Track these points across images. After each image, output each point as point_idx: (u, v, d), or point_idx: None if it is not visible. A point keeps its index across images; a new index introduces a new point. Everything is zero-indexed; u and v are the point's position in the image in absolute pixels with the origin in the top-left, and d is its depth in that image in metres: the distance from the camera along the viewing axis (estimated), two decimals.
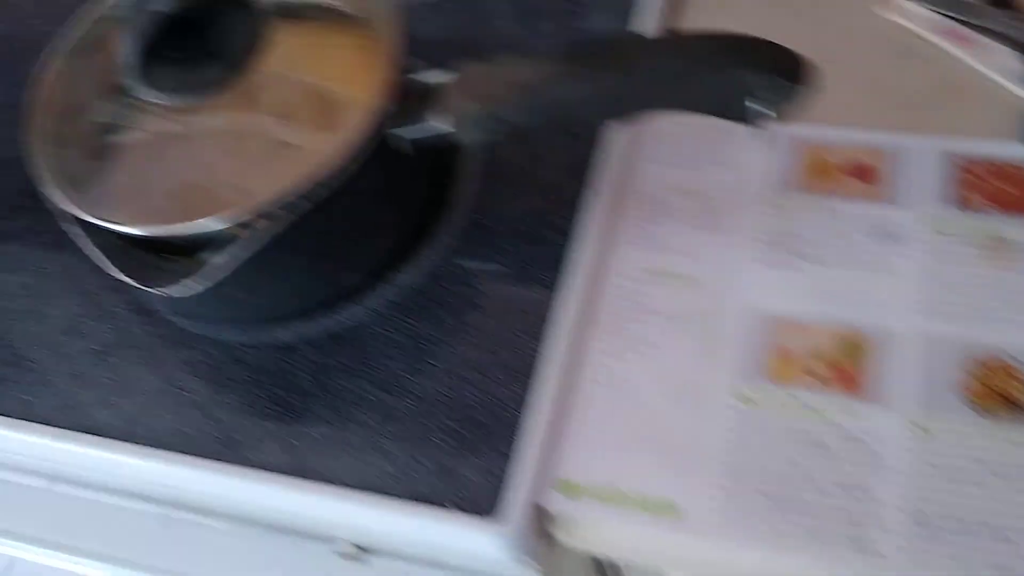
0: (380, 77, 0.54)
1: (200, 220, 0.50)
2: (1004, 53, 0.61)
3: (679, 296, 0.57)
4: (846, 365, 0.53)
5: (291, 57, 0.55)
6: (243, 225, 0.50)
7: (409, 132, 0.54)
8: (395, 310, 0.59)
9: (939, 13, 0.63)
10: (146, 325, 0.61)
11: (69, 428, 0.58)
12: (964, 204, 0.57)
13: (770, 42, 0.50)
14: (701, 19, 0.68)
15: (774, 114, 0.51)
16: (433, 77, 0.55)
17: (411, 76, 0.55)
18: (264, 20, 0.52)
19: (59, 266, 0.65)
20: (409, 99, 0.54)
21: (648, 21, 0.67)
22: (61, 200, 0.53)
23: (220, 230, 0.50)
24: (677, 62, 0.51)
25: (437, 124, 0.54)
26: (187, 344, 0.60)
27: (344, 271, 0.58)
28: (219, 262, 0.51)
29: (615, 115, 0.54)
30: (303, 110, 0.54)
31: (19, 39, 0.78)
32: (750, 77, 0.50)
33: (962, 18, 0.62)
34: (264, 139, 0.53)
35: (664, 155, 0.62)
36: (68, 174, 0.54)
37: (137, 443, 0.57)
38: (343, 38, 0.57)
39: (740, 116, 0.51)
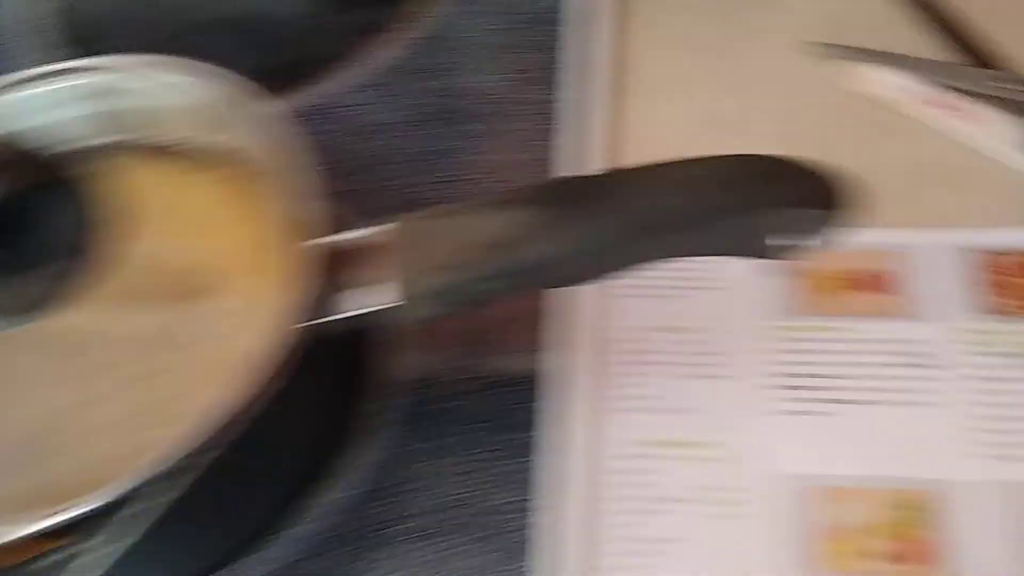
0: (292, 247, 0.40)
1: (74, 504, 0.33)
2: (1001, 120, 0.52)
3: (691, 471, 0.45)
4: (910, 534, 0.43)
5: (159, 230, 0.40)
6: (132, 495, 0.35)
7: (335, 320, 0.40)
8: (329, 543, 0.45)
9: (917, 81, 0.54)
10: None
11: None
12: (997, 310, 0.48)
13: (793, 162, 0.40)
14: (644, 105, 0.56)
15: (807, 246, 0.40)
16: (355, 236, 0.41)
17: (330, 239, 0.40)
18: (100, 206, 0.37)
19: None
20: (333, 273, 0.40)
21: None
22: None
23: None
24: (681, 200, 0.39)
25: (374, 303, 0.40)
26: None
27: (255, 513, 0.43)
28: (98, 552, 0.35)
29: (605, 271, 0.41)
30: (184, 314, 0.39)
31: None
32: (775, 214, 0.39)
33: (947, 83, 0.53)
34: (123, 360, 0.38)
35: (636, 281, 0.50)
36: None
37: None
38: (220, 188, 0.42)
39: (760, 253, 0.40)
